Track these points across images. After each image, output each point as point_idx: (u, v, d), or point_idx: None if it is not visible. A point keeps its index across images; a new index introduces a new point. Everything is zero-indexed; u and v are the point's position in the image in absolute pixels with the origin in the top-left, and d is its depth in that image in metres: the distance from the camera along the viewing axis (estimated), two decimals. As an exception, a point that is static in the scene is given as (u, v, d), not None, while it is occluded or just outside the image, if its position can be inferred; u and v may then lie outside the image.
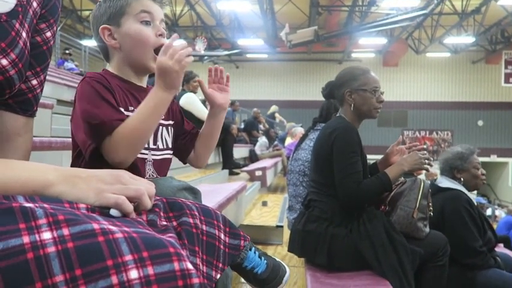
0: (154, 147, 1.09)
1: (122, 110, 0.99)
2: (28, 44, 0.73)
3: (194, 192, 0.95)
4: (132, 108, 1.03)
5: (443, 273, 1.80)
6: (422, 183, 1.84)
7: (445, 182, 2.23)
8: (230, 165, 4.73)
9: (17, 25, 0.69)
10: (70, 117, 1.01)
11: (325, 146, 1.76)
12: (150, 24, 1.05)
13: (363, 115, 1.84)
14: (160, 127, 1.11)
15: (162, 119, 1.12)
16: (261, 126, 10.06)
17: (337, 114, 1.91)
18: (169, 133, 1.15)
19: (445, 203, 2.12)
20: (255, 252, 0.83)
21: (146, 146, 1.05)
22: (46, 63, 0.80)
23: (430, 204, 1.86)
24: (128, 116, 0.98)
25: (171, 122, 1.16)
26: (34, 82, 0.79)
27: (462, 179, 2.20)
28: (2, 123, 0.77)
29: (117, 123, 0.93)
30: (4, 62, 0.66)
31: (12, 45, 0.68)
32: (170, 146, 1.15)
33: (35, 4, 0.74)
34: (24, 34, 0.71)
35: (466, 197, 2.15)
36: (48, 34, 0.79)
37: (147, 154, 1.06)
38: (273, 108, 12.19)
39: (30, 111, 0.80)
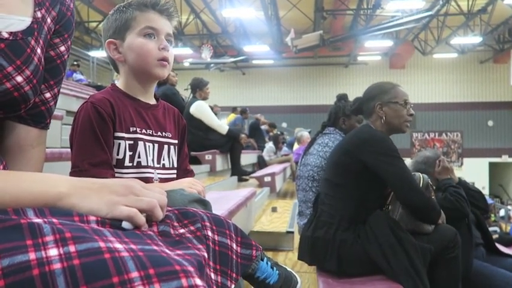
0: (159, 166, 1.08)
1: (119, 133, 1.01)
2: (42, 59, 0.74)
3: (204, 204, 0.94)
4: (134, 129, 1.04)
5: (457, 265, 1.76)
6: (421, 178, 1.83)
7: None
8: (238, 172, 4.74)
9: (33, 42, 0.71)
10: (70, 132, 1.03)
11: (357, 150, 1.75)
12: (153, 37, 1.05)
13: (393, 128, 1.84)
14: (166, 146, 1.11)
15: (169, 137, 1.12)
16: (269, 132, 10.05)
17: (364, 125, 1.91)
18: (175, 152, 1.14)
19: None
20: (267, 263, 0.82)
21: (151, 165, 1.06)
22: (60, 77, 0.82)
23: (433, 197, 1.85)
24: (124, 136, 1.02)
25: (176, 141, 1.15)
26: (47, 95, 0.80)
27: None
28: (15, 135, 0.78)
29: (100, 174, 0.95)
30: (19, 78, 0.68)
31: (27, 62, 0.69)
32: (176, 165, 1.14)
33: (49, 20, 0.76)
34: (39, 50, 0.72)
35: None
36: (62, 48, 0.80)
37: (153, 173, 1.06)
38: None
39: (43, 123, 0.82)
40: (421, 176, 1.85)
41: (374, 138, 1.75)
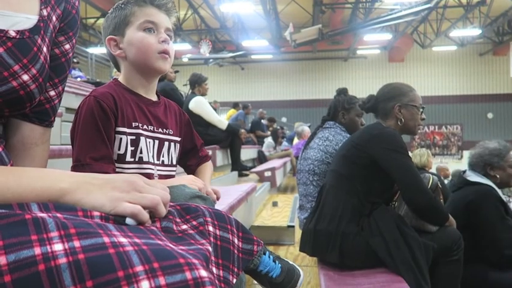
0: (158, 162, 1.09)
1: (121, 128, 1.01)
2: (48, 57, 0.74)
3: (204, 199, 0.95)
4: (136, 124, 1.04)
5: (458, 269, 1.78)
6: (431, 179, 1.84)
7: (473, 176, 2.17)
8: (238, 167, 4.75)
9: (39, 40, 0.71)
10: (71, 126, 1.03)
11: (367, 145, 1.77)
12: (153, 31, 1.05)
13: (407, 130, 1.88)
14: (166, 143, 1.11)
15: (171, 135, 1.12)
16: (268, 127, 10.04)
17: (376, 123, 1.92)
18: (176, 149, 1.14)
19: (474, 197, 2.07)
20: (269, 256, 0.83)
21: (151, 161, 1.06)
22: (64, 75, 0.82)
23: (441, 198, 1.86)
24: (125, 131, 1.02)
25: (178, 139, 1.15)
26: (52, 93, 0.80)
27: (498, 176, 2.14)
28: (20, 132, 0.78)
29: (102, 169, 0.95)
30: (25, 77, 0.68)
31: (33, 61, 0.69)
32: (175, 162, 1.14)
33: (54, 18, 0.76)
34: (44, 49, 0.72)
35: (497, 194, 2.07)
36: (67, 46, 0.80)
37: (153, 169, 1.07)
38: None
39: (47, 121, 0.82)
40: (431, 177, 1.86)
41: (385, 134, 1.77)
